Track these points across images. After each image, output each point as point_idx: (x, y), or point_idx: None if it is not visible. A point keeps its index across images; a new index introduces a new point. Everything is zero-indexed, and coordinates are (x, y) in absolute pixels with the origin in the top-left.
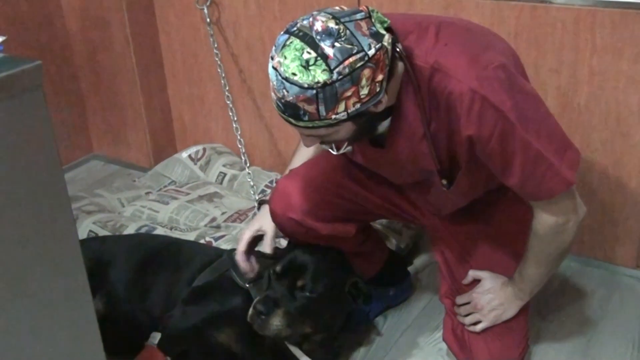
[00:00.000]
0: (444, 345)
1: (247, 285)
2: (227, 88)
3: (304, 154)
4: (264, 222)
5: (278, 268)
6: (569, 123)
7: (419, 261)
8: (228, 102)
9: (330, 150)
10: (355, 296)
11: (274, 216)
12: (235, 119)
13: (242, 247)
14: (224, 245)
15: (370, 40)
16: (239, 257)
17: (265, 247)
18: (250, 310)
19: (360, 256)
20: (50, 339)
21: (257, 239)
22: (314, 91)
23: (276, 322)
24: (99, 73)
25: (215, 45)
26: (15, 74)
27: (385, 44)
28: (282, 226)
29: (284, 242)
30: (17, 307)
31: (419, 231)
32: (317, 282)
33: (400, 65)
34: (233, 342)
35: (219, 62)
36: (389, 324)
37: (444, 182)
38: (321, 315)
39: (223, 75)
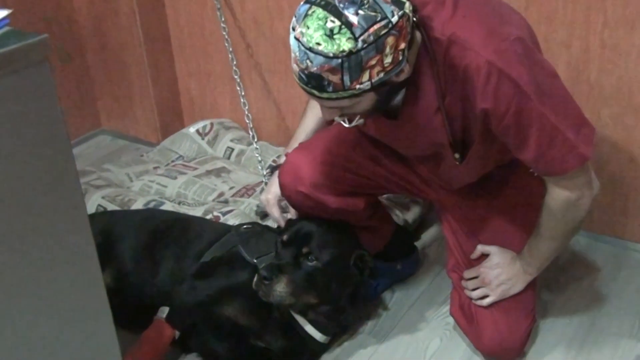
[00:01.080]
0: (451, 320)
1: (255, 261)
2: (234, 62)
3: (309, 124)
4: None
5: (284, 236)
6: (579, 97)
7: (426, 235)
8: (235, 76)
9: (342, 122)
10: (361, 269)
11: (283, 189)
12: (243, 93)
13: (275, 213)
14: (232, 220)
15: (393, 7)
16: (281, 222)
17: (273, 211)
18: (255, 277)
19: (367, 230)
20: (61, 314)
21: (280, 200)
22: (339, 60)
23: (280, 288)
24: (105, 47)
25: (222, 19)
26: (21, 48)
27: (407, 11)
28: (291, 199)
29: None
30: (26, 282)
31: (427, 205)
32: (323, 250)
33: (417, 36)
34: (240, 315)
35: (226, 37)
36: (396, 298)
37: (456, 156)
38: (326, 286)
39: (230, 49)
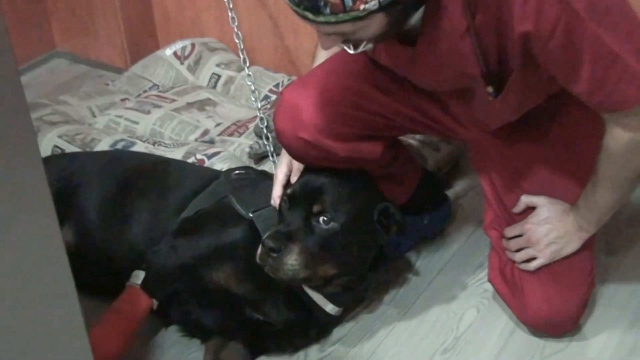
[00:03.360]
0: (489, 287)
1: (251, 215)
2: None
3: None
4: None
5: (289, 192)
6: None
7: (459, 184)
8: None
9: (346, 49)
10: (386, 226)
11: (280, 136)
12: (231, 6)
13: (276, 191)
14: (220, 164)
15: None
16: (276, 202)
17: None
18: (259, 249)
19: (387, 179)
20: (10, 277)
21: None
22: None
23: (291, 260)
24: None
25: None
26: None
27: None
28: (291, 148)
29: None
30: None
31: (460, 147)
32: (339, 207)
33: None
34: (233, 282)
35: None
36: (423, 260)
37: (490, 90)
38: (347, 251)
39: None
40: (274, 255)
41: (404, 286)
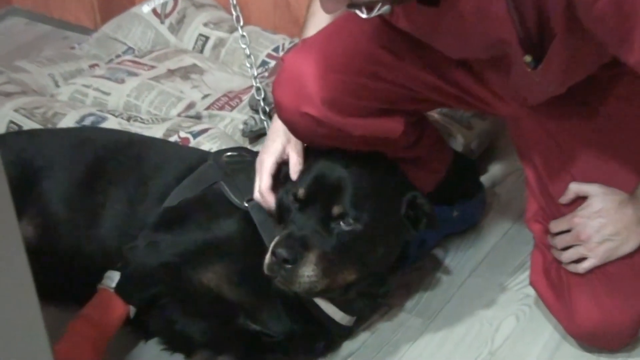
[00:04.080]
0: (531, 291)
1: (246, 204)
2: None
3: (322, 18)
4: (285, 136)
5: (301, 192)
6: None
7: (496, 168)
8: None
9: (358, 13)
10: (414, 220)
11: (281, 111)
12: None
13: (265, 181)
14: (208, 144)
15: None
16: (265, 196)
17: (293, 173)
18: (268, 258)
19: (410, 163)
20: None
21: (283, 164)
22: None
23: (308, 271)
24: None
25: None
26: None
27: None
28: (294, 127)
29: None
30: None
31: (497, 123)
32: (362, 205)
33: None
34: (225, 285)
35: None
36: (452, 259)
37: (528, 59)
38: (369, 253)
39: None
40: (288, 266)
41: (429, 290)
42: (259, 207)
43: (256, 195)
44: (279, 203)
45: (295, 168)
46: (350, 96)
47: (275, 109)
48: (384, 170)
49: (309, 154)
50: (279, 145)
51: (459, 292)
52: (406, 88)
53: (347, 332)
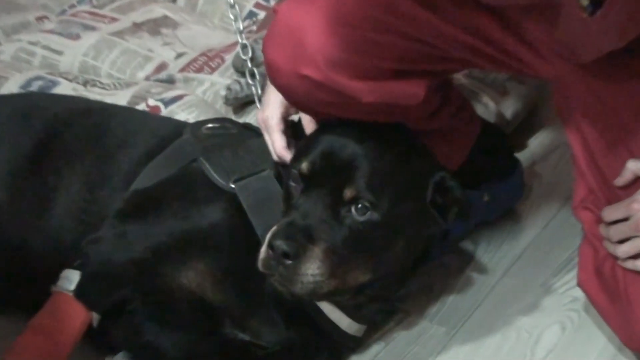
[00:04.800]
0: (579, 294)
1: (232, 186)
2: None
3: None
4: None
5: (304, 166)
6: None
7: (536, 143)
8: None
9: None
10: (441, 206)
11: (273, 74)
12: None
13: (278, 140)
14: (183, 113)
15: None
16: (285, 157)
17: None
18: (264, 252)
19: (434, 137)
20: None
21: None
22: None
23: (312, 269)
24: None
25: None
26: None
27: None
28: (289, 92)
29: None
30: None
31: (538, 88)
32: (379, 189)
33: None
34: (208, 285)
35: None
36: (482, 255)
37: (585, 2)
38: (388, 248)
39: None
40: (288, 262)
41: (454, 293)
42: (247, 188)
43: (275, 158)
44: (286, 189)
45: (309, 126)
46: (361, 55)
47: (267, 71)
48: (405, 145)
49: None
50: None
51: (491, 296)
52: (429, 45)
53: (356, 343)
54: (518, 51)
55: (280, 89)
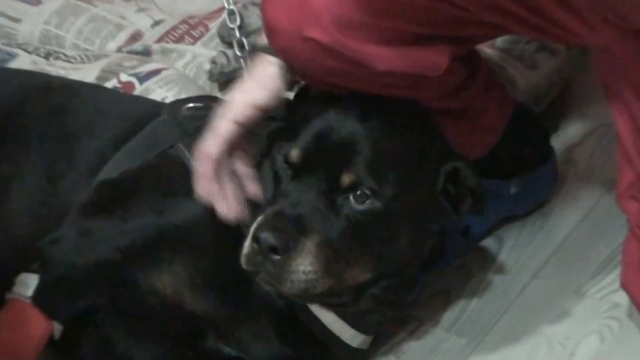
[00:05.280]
0: (621, 298)
1: None
2: None
3: None
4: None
5: (295, 154)
6: None
7: (572, 125)
8: None
9: None
10: (456, 198)
11: (274, 37)
12: None
13: (212, 148)
14: (161, 90)
15: None
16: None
17: None
18: (248, 246)
19: (453, 118)
20: None
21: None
22: None
23: (304, 265)
24: None
25: None
26: None
27: None
28: (292, 58)
29: None
30: None
31: (574, 59)
32: (382, 174)
33: None
34: (187, 291)
35: None
36: (509, 254)
37: None
38: (390, 244)
39: None
40: (276, 257)
41: (476, 298)
42: None
43: (196, 173)
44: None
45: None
46: (376, 15)
47: (265, 32)
48: (416, 126)
49: (310, 99)
50: (262, 89)
51: (518, 301)
52: (453, 5)
53: (361, 358)
54: (558, 14)
55: (281, 53)
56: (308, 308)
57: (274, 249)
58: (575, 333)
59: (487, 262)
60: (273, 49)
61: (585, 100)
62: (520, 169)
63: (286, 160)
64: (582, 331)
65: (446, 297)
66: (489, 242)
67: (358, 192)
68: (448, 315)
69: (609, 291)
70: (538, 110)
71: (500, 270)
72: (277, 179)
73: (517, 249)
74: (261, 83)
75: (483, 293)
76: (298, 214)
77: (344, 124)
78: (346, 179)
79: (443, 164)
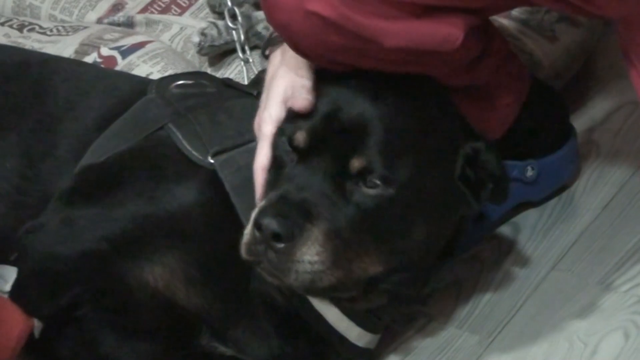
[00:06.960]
0: None
1: (211, 160)
2: None
3: None
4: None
5: (300, 137)
6: None
7: (595, 102)
8: None
9: None
10: (474, 183)
11: (273, 11)
12: None
13: (274, 113)
14: (146, 66)
15: None
16: (256, 168)
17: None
18: (248, 233)
19: (467, 96)
20: None
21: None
22: None
23: (310, 255)
24: None
25: None
26: None
27: None
28: (293, 35)
29: None
30: None
31: (595, 32)
32: (395, 158)
33: None
34: (180, 285)
35: None
36: (526, 243)
37: None
38: (403, 234)
39: None
40: (280, 245)
41: (490, 293)
42: (230, 163)
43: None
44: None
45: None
46: None
47: (264, 7)
48: (432, 104)
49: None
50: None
51: (536, 295)
52: None
53: (368, 357)
54: None
55: (281, 29)
56: (311, 304)
57: (277, 237)
58: (598, 329)
59: (502, 252)
60: (272, 25)
61: (610, 76)
62: (537, 150)
63: (290, 144)
64: (605, 327)
65: (457, 291)
66: (503, 230)
67: (369, 178)
68: (459, 311)
69: (634, 284)
70: (558, 87)
71: (516, 261)
72: (280, 163)
73: (535, 239)
74: (300, 63)
75: (497, 287)
76: (304, 198)
77: (353, 104)
78: (356, 163)
79: (462, 146)
